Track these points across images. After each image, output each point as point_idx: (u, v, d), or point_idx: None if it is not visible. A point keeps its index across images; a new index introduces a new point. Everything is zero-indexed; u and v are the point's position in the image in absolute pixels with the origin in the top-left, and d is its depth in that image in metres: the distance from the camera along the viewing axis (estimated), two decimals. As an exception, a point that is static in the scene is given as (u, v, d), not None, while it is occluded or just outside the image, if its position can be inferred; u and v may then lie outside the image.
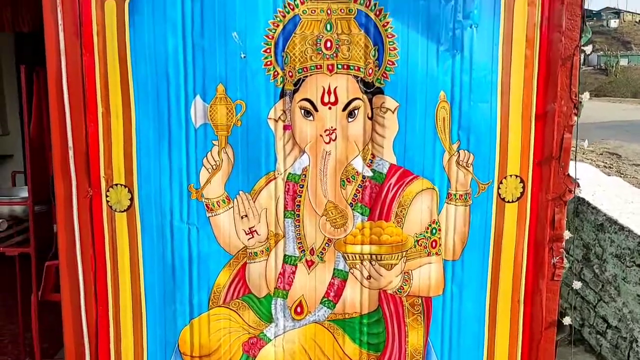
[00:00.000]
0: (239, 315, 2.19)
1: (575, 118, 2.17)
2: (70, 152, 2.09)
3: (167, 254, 2.16)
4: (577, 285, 2.25)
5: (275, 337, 2.21)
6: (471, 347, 2.24)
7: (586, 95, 2.18)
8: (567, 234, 2.20)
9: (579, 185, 2.21)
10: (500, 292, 2.22)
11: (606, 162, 8.34)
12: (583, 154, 9.03)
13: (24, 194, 3.25)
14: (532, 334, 2.25)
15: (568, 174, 2.18)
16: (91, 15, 2.02)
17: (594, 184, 5.48)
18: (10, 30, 4.63)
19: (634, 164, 8.20)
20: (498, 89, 2.11)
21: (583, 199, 4.97)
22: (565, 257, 2.23)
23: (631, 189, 5.55)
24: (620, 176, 7.02)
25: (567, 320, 2.24)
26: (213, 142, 2.10)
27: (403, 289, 2.20)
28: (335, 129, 2.10)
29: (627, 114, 13.72)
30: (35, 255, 2.79)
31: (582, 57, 2.15)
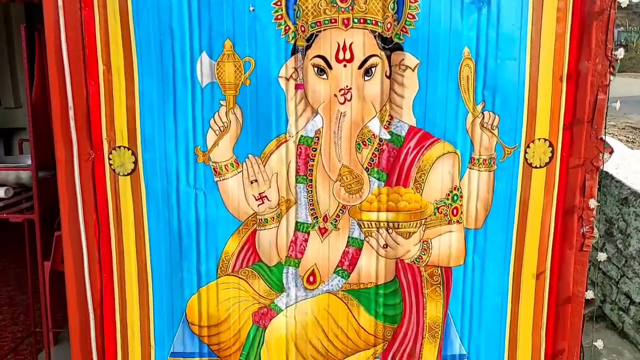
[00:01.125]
0: (249, 284, 2.10)
1: (611, 77, 2.01)
2: (71, 112, 1.98)
3: (174, 220, 2.06)
4: (602, 257, 2.11)
5: (286, 308, 2.11)
6: (493, 320, 2.13)
7: (621, 52, 2.01)
8: (593, 202, 2.06)
9: (612, 151, 2.06)
10: (525, 263, 2.09)
11: (629, 137, 8.08)
12: (605, 127, 8.76)
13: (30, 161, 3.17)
14: (558, 307, 2.13)
15: (601, 138, 2.03)
16: (90, -36, 1.88)
17: (618, 157, 5.29)
18: (21, -1, 4.54)
19: (658, 138, 7.94)
20: (527, 45, 1.95)
21: (606, 173, 4.80)
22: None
23: (657, 162, 5.35)
24: (644, 150, 6.78)
25: (589, 295, 2.11)
26: (220, 102, 1.97)
27: (421, 258, 2.08)
28: (350, 89, 1.96)
29: (650, 88, 13.27)
30: (41, 222, 2.70)
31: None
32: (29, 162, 3.20)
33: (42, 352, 4.06)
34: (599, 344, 2.12)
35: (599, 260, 2.11)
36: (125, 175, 2.03)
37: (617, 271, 4.39)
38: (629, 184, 4.53)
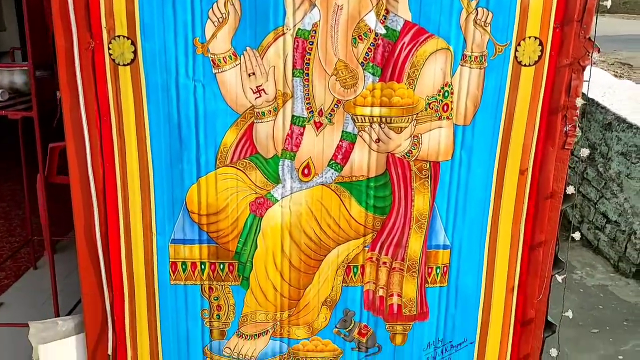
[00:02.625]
0: (246, 175, 2.18)
1: (603, -23, 2.05)
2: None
3: (173, 112, 2.11)
4: (584, 152, 2.22)
5: (282, 198, 2.21)
6: (476, 213, 2.25)
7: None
8: (579, 101, 2.15)
9: (599, 50, 2.12)
10: (509, 160, 2.20)
11: (617, 72, 8.16)
12: (594, 63, 8.82)
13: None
14: (538, 202, 2.25)
15: (589, 38, 2.09)
16: None
17: (605, 86, 5.38)
18: None
19: (645, 73, 8.02)
20: (522, -60, 1.97)
21: (592, 100, 4.90)
22: (571, 156, 2.18)
23: (642, 90, 5.45)
24: (631, 83, 6.85)
25: (570, 190, 2.24)
26: (219, -8, 1.99)
27: (412, 153, 2.17)
28: (348, -19, 1.98)
29: (642, 27, 13.24)
30: (39, 120, 2.73)
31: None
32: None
33: (40, 260, 4.20)
34: (576, 235, 2.26)
35: (581, 156, 2.22)
36: (125, 65, 2.06)
37: (596, 193, 4.57)
38: (613, 110, 4.65)
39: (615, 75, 7.70)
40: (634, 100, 4.98)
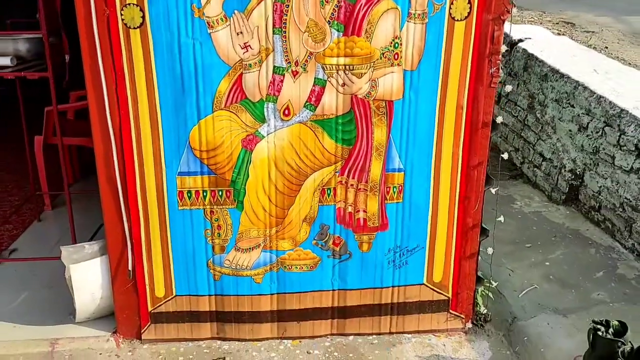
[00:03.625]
0: (238, 117, 2.68)
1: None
2: (87, -26, 2.41)
3: (176, 66, 2.58)
4: (508, 88, 2.78)
5: (268, 135, 2.72)
6: (423, 142, 2.80)
7: None
8: (504, 47, 2.70)
9: (515, 5, 2.67)
10: (448, 98, 2.75)
11: (560, 30, 8.79)
12: (541, 23, 9.45)
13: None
14: (472, 131, 2.82)
15: (507, -4, 2.64)
16: None
17: (544, 42, 5.98)
18: None
19: (585, 30, 8.68)
20: None
21: (532, 55, 5.50)
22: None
23: (577, 45, 6.09)
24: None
25: (499, 119, 2.82)
26: (211, -35, 2.45)
27: (370, 94, 2.70)
28: (315, -46, 2.46)
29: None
30: (43, 84, 3.11)
31: None
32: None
33: (42, 213, 4.62)
34: (505, 155, 2.85)
35: (506, 92, 2.78)
36: (135, 29, 2.51)
37: (535, 136, 5.22)
38: (549, 63, 5.26)
39: (559, 34, 8.31)
40: (568, 54, 5.61)
